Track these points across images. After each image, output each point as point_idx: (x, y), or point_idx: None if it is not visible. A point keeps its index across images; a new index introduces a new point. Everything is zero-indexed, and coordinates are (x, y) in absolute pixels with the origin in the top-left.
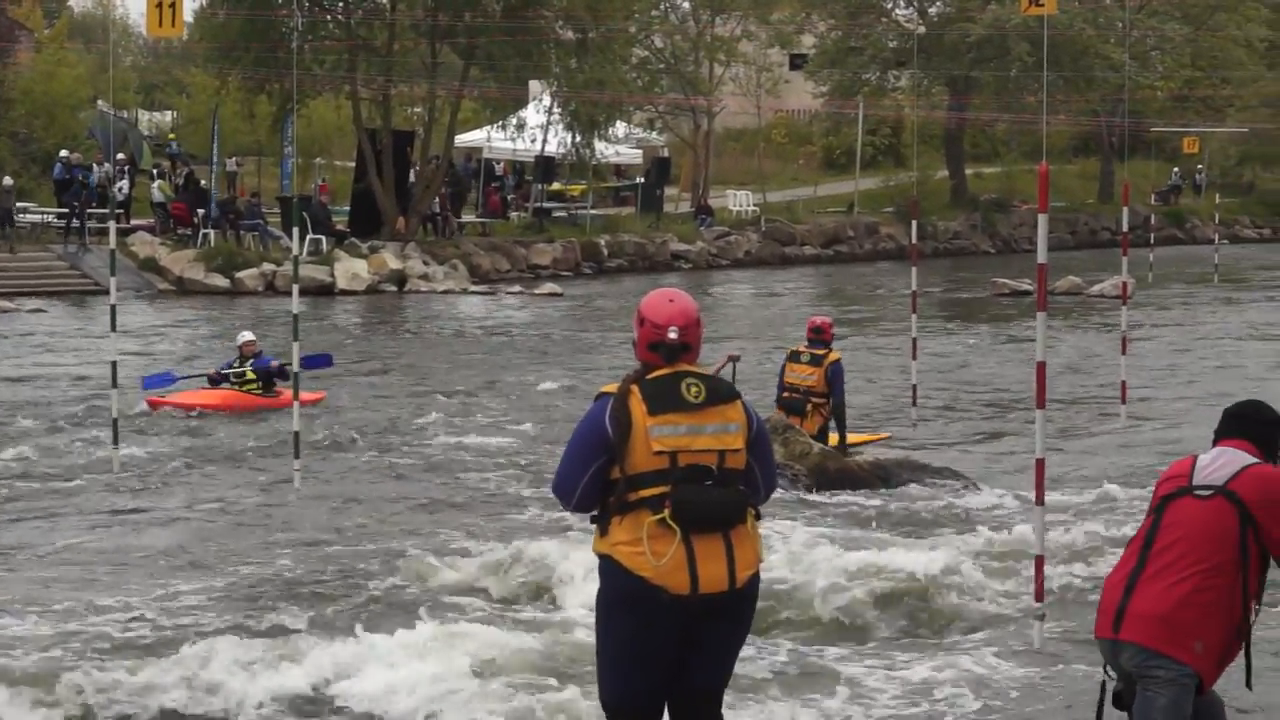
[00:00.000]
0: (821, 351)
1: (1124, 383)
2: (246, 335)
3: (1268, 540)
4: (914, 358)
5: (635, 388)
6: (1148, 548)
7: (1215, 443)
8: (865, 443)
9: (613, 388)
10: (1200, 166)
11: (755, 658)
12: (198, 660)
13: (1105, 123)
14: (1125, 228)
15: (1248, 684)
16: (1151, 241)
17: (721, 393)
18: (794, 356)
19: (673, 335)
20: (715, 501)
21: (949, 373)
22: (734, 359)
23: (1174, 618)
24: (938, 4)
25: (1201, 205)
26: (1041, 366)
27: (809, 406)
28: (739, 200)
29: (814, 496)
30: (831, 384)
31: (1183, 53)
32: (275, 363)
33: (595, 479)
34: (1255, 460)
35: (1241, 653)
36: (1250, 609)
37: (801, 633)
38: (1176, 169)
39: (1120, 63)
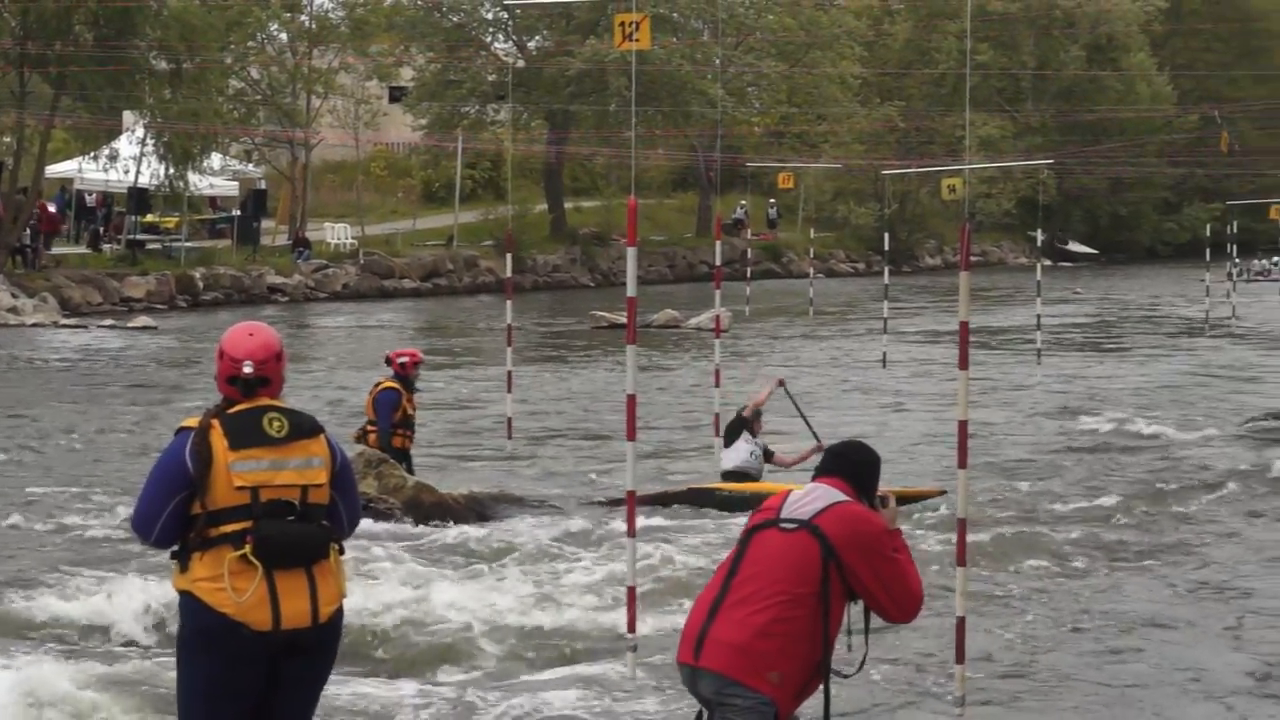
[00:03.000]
0: (381, 379)
1: (717, 415)
2: None
3: (851, 578)
4: (509, 391)
5: (216, 422)
6: (731, 576)
7: (814, 478)
8: (922, 496)
9: (193, 422)
10: (772, 201)
11: (346, 693)
12: None
13: (703, 157)
14: (718, 261)
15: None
16: (749, 275)
17: (304, 428)
18: (375, 386)
19: (248, 369)
20: (297, 537)
21: (545, 405)
22: (781, 383)
23: (752, 647)
24: (537, 38)
25: (798, 239)
26: (632, 399)
27: (358, 433)
28: (337, 233)
29: (410, 530)
30: (376, 411)
31: (779, 89)
32: None
33: (175, 514)
34: (845, 498)
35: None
36: (831, 645)
37: (395, 668)
38: (743, 202)
39: (717, 98)
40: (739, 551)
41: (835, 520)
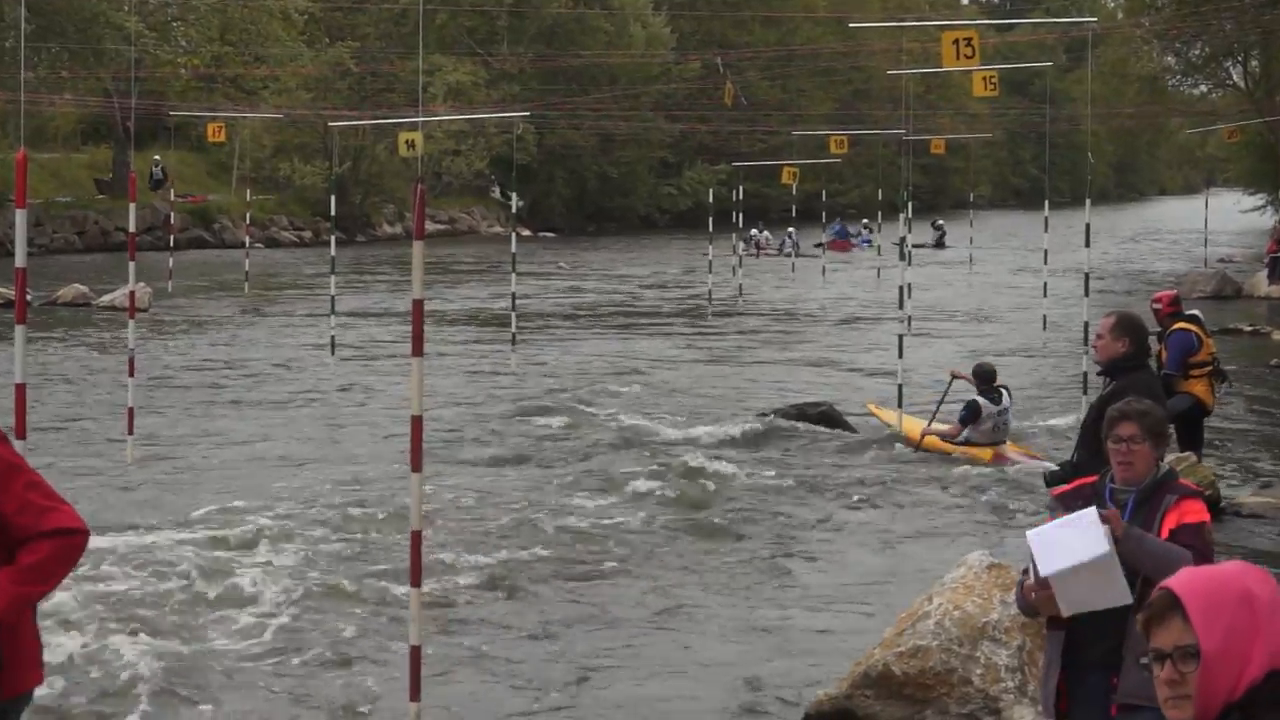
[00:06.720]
0: None
1: (131, 410)
2: None
3: None
4: None
5: None
6: None
7: None
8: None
9: None
10: (157, 159)
11: None
12: None
13: (118, 105)
14: (133, 227)
15: None
16: (173, 244)
17: None
18: None
19: None
20: None
21: None
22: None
23: None
24: None
25: (233, 203)
26: (21, 389)
27: None
28: None
29: None
30: None
31: (209, 24)
32: None
33: None
34: None
35: None
36: None
37: None
38: (157, 158)
39: (134, 33)
40: None
41: None
